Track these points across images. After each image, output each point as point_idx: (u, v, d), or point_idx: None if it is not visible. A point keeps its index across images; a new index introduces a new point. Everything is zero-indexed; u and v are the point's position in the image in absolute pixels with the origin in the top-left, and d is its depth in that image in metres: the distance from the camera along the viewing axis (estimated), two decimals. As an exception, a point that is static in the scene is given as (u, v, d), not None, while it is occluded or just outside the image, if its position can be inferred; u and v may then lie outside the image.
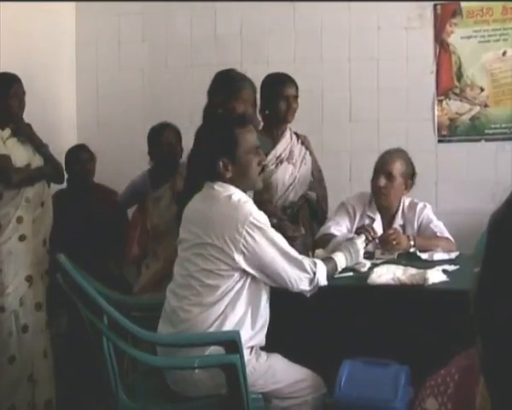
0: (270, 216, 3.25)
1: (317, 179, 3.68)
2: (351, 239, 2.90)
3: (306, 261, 2.54)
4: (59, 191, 4.06)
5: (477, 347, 0.54)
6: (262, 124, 3.55)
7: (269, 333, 2.55)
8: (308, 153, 3.67)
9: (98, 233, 4.00)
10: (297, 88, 3.54)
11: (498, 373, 0.52)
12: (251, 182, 2.59)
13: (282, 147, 3.56)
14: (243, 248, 2.41)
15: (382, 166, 3.33)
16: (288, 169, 3.54)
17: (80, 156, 4.17)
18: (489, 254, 0.53)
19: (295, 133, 3.66)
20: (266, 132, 3.49)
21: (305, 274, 2.51)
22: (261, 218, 2.47)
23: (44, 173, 3.57)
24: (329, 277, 2.62)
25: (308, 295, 2.55)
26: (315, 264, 2.55)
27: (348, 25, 4.46)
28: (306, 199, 3.59)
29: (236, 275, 2.43)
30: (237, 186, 2.53)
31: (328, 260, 2.68)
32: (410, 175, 3.38)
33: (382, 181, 3.30)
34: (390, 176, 3.30)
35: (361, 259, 2.84)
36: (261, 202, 2.99)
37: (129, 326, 2.30)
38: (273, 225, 3.10)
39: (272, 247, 2.46)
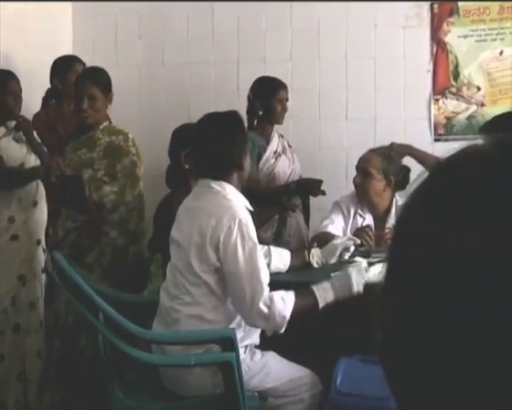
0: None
1: None
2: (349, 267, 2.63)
3: (264, 295, 2.34)
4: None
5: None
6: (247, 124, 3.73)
7: (264, 331, 2.54)
8: (292, 149, 3.95)
9: None
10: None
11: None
12: (245, 179, 2.62)
13: (275, 143, 3.83)
14: (216, 248, 2.36)
15: (359, 164, 3.40)
16: (286, 161, 3.82)
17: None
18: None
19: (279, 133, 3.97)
20: (258, 132, 3.78)
21: (258, 306, 2.33)
22: (246, 225, 2.39)
23: (38, 173, 3.52)
24: (305, 311, 2.43)
25: (268, 333, 2.43)
26: (271, 299, 2.34)
27: (345, 23, 4.46)
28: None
29: (219, 273, 2.40)
30: (241, 181, 2.55)
31: (304, 294, 2.45)
32: (394, 172, 3.37)
33: (358, 178, 3.36)
34: (366, 173, 3.33)
35: (355, 289, 2.50)
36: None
37: (125, 324, 2.30)
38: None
39: (238, 260, 2.35)
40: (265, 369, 2.48)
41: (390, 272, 0.55)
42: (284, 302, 2.36)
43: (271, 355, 2.53)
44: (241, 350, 2.42)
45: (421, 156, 3.55)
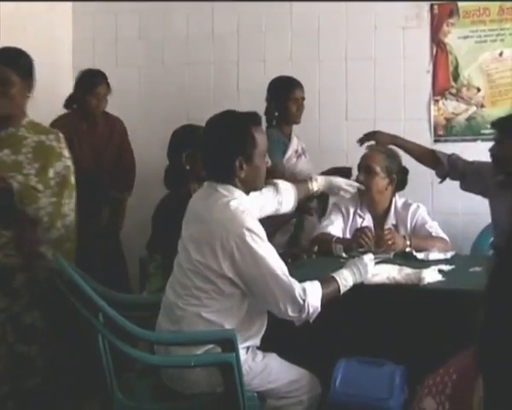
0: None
1: None
2: (359, 257, 2.73)
3: (297, 287, 2.38)
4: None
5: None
6: (266, 125, 3.76)
7: (266, 333, 2.54)
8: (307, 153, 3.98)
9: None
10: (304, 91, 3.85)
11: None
12: (258, 184, 2.55)
13: (295, 143, 3.88)
14: (231, 258, 2.34)
15: (362, 162, 3.40)
16: (306, 162, 3.86)
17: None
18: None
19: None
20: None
21: (293, 300, 2.37)
22: (256, 230, 2.37)
23: None
24: (329, 299, 2.47)
25: (297, 324, 2.43)
26: (304, 291, 2.38)
27: (345, 24, 4.46)
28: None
29: (225, 281, 2.38)
30: (244, 187, 2.47)
31: (328, 281, 2.52)
32: (396, 171, 3.39)
33: (361, 176, 3.36)
34: (370, 170, 3.34)
35: (369, 275, 2.66)
36: None
37: (125, 324, 2.30)
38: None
39: (260, 264, 2.35)
40: (267, 370, 2.48)
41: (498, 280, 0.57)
42: (314, 293, 2.41)
43: (272, 357, 2.53)
44: (243, 351, 2.42)
45: (405, 145, 3.58)
